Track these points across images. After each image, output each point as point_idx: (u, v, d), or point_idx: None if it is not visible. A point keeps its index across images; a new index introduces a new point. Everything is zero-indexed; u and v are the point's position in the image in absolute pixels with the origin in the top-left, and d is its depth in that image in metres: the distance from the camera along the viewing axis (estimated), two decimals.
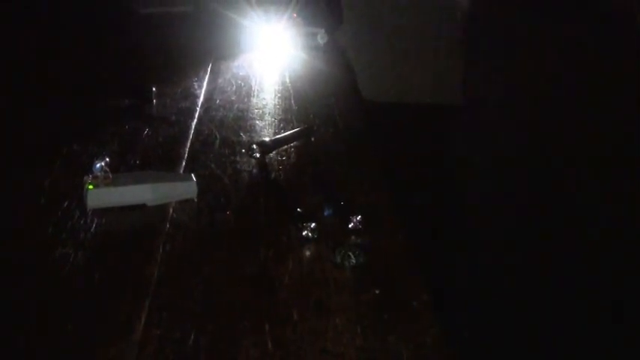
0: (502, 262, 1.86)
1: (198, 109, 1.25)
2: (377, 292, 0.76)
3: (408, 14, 2.81)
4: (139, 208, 0.91)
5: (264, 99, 1.32)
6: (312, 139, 1.15)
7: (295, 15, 1.61)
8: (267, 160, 1.06)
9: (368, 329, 0.70)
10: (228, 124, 1.19)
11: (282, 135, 1.13)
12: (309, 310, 0.73)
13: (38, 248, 0.83)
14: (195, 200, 0.94)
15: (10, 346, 0.68)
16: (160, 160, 1.06)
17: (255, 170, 1.03)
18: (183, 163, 1.05)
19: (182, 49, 1.61)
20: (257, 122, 1.21)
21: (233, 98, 1.31)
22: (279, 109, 1.27)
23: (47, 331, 0.69)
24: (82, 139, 1.10)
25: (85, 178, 0.91)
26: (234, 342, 0.68)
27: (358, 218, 0.87)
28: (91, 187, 0.89)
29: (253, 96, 1.33)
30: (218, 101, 1.29)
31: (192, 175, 0.96)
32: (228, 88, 1.36)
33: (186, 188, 0.94)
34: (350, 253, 0.81)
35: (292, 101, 1.31)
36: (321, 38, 1.58)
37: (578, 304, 1.81)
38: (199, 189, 0.95)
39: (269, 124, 1.20)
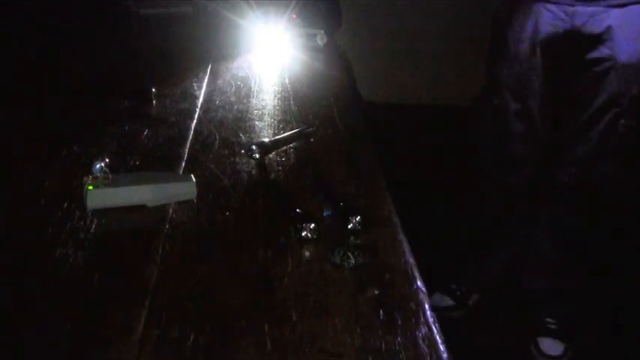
0: (502, 261, 1.86)
1: (197, 109, 1.25)
2: (376, 292, 0.76)
3: (407, 15, 2.81)
4: (139, 209, 0.91)
5: (263, 100, 1.32)
6: (312, 139, 1.15)
7: (295, 16, 1.61)
8: (266, 161, 1.06)
9: (367, 329, 0.71)
10: (228, 124, 1.20)
11: (282, 136, 1.13)
12: (308, 311, 0.73)
13: (38, 248, 0.83)
14: (195, 201, 0.94)
15: (11, 346, 0.68)
16: (159, 161, 1.06)
17: (254, 171, 1.04)
18: (183, 164, 1.05)
19: (181, 50, 1.61)
20: (256, 123, 1.21)
21: (232, 99, 1.31)
22: (278, 109, 1.27)
23: (47, 331, 0.70)
24: (82, 139, 1.10)
25: (85, 178, 0.91)
26: (233, 342, 0.68)
27: (357, 219, 0.87)
28: (90, 187, 0.90)
29: (253, 97, 1.33)
30: (217, 102, 1.29)
31: (192, 175, 0.96)
32: (228, 89, 1.36)
33: (185, 189, 0.94)
34: (349, 254, 0.81)
35: (291, 102, 1.31)
36: (321, 39, 1.58)
37: (579, 303, 1.81)
38: (199, 189, 0.95)
39: (268, 124, 1.20)
